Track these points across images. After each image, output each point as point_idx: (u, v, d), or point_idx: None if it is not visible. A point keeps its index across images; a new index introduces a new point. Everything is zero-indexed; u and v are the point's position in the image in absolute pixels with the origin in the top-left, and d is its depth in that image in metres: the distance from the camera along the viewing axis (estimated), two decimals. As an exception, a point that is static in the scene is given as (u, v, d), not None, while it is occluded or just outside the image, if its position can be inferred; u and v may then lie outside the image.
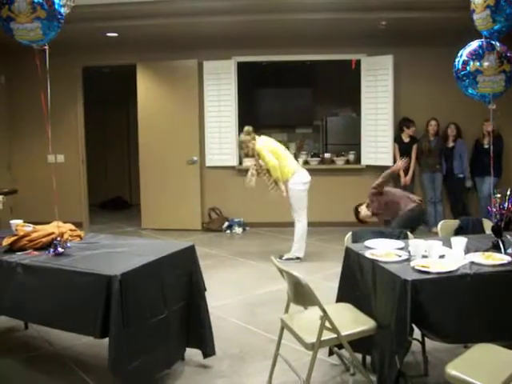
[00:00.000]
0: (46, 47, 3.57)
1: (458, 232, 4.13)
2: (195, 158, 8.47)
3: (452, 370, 2.55)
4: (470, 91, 4.15)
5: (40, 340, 4.24)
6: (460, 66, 4.14)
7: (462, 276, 2.96)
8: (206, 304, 3.70)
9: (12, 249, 3.58)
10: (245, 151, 6.77)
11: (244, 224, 8.54)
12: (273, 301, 5.01)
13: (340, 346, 3.41)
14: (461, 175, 8.05)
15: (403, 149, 8.11)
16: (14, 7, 3.36)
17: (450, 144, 8.07)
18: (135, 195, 10.30)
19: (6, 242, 3.61)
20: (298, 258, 6.54)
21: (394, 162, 8.11)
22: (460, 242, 3.33)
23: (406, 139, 8.14)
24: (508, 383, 2.37)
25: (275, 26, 7.39)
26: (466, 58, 4.09)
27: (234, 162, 8.55)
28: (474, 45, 4.11)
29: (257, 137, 6.55)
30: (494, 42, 3.97)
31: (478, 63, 4.01)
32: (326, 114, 10.40)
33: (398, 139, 8.16)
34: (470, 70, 4.05)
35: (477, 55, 4.03)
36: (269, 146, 6.47)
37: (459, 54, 4.20)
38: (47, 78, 3.55)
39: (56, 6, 3.45)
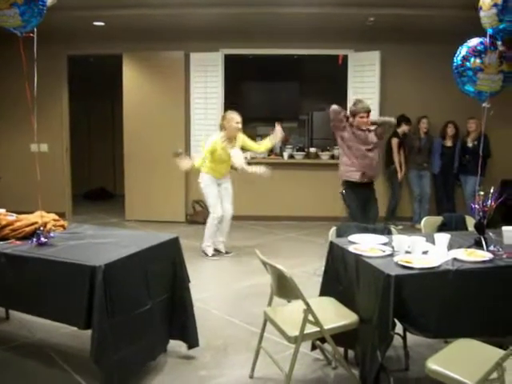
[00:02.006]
0: (32, 35, 3.53)
1: (442, 228, 4.16)
2: (180, 150, 8.43)
3: (432, 364, 2.58)
4: (467, 88, 4.16)
5: (21, 330, 4.20)
6: (460, 62, 4.13)
7: (445, 272, 2.99)
8: (190, 296, 3.70)
9: (-6, 238, 3.55)
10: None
11: (228, 217, 8.53)
12: (256, 294, 5.02)
13: (322, 340, 3.43)
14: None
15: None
16: None
17: (448, 143, 8.07)
18: (119, 186, 10.23)
19: (-12, 231, 3.57)
20: (205, 254, 6.50)
21: (388, 158, 8.13)
22: (443, 238, 3.36)
23: (400, 135, 8.16)
24: (487, 378, 2.39)
25: (263, 20, 7.38)
26: (468, 54, 4.08)
27: (220, 155, 8.54)
28: (475, 41, 4.11)
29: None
30: (497, 41, 3.97)
31: (479, 60, 4.02)
32: (311, 109, 10.44)
33: (396, 134, 8.14)
34: (471, 67, 4.05)
35: (479, 52, 4.04)
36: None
37: (458, 50, 4.19)
38: (34, 66, 3.51)
39: None
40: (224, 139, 6.28)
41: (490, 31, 3.90)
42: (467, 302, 3.02)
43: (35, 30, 3.56)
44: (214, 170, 6.40)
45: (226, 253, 6.63)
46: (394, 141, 8.09)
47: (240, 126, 6.31)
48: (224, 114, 6.59)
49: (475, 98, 4.25)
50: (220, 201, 6.47)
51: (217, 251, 6.59)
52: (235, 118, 6.27)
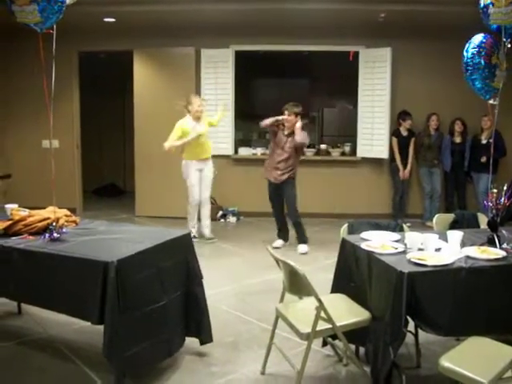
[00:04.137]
0: (51, 31, 3.55)
1: (454, 226, 4.14)
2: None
3: (445, 361, 2.57)
4: (479, 85, 4.09)
5: (33, 325, 4.23)
6: (480, 59, 4.05)
7: (458, 269, 2.97)
8: (203, 291, 3.71)
9: (7, 233, 3.56)
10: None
11: (238, 213, 8.54)
12: (266, 290, 5.03)
13: (334, 337, 3.42)
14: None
15: (402, 142, 8.09)
16: None
17: (457, 139, 8.03)
18: (129, 182, 10.27)
19: (1, 226, 3.59)
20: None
21: (392, 155, 8.13)
22: (456, 235, 3.34)
23: (404, 133, 8.11)
24: (501, 376, 2.38)
25: (274, 16, 7.36)
26: (485, 51, 4.01)
27: (230, 151, 8.55)
28: (485, 38, 4.05)
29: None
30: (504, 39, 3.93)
31: (497, 57, 3.97)
32: (322, 105, 10.42)
33: (396, 133, 8.14)
34: (492, 63, 3.99)
35: (495, 49, 3.99)
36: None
37: (471, 46, 4.13)
38: (52, 63, 3.53)
39: None
40: (191, 120, 6.87)
41: (493, 27, 3.86)
42: (480, 299, 3.01)
43: (54, 26, 3.58)
44: (193, 154, 6.91)
45: (210, 238, 7.02)
46: (394, 140, 8.10)
47: (201, 108, 6.85)
48: (188, 97, 7.00)
49: (481, 94, 4.20)
50: (199, 187, 6.96)
51: (201, 236, 7.06)
52: (196, 101, 6.86)
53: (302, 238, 6.59)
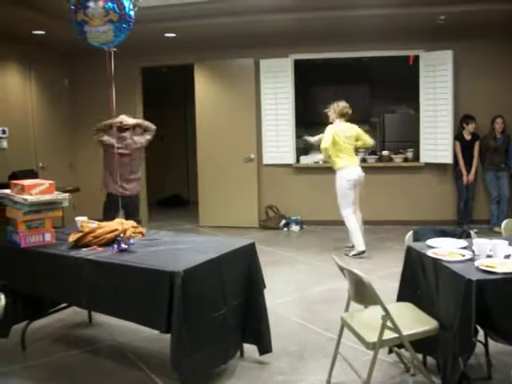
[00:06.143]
0: (115, 49, 3.69)
1: (523, 232, 4.01)
2: (252, 156, 8.52)
3: (519, 373, 2.49)
4: None
5: (103, 333, 4.36)
6: None
7: (529, 277, 2.88)
8: (264, 301, 3.72)
9: (77, 245, 3.70)
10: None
11: (301, 222, 8.52)
12: (331, 299, 5.00)
13: (400, 346, 3.37)
14: None
15: (465, 146, 7.92)
16: (89, 11, 3.51)
17: None
18: (193, 193, 10.44)
19: (72, 238, 3.73)
20: (362, 252, 6.56)
21: (455, 159, 7.96)
22: (527, 241, 3.24)
23: (467, 136, 7.94)
24: None
25: (332, 23, 7.33)
26: None
27: (292, 160, 8.56)
28: None
29: (336, 120, 6.74)
30: None
31: None
32: (383, 111, 10.28)
33: (459, 137, 7.96)
34: None
35: None
36: (334, 133, 6.58)
37: None
38: (112, 79, 3.66)
39: (126, 10, 3.60)
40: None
41: None
42: (553, 308, 2.90)
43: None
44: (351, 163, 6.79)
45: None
46: (456, 144, 7.93)
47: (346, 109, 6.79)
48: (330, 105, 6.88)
49: None
50: None
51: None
52: (341, 103, 6.84)
53: None
